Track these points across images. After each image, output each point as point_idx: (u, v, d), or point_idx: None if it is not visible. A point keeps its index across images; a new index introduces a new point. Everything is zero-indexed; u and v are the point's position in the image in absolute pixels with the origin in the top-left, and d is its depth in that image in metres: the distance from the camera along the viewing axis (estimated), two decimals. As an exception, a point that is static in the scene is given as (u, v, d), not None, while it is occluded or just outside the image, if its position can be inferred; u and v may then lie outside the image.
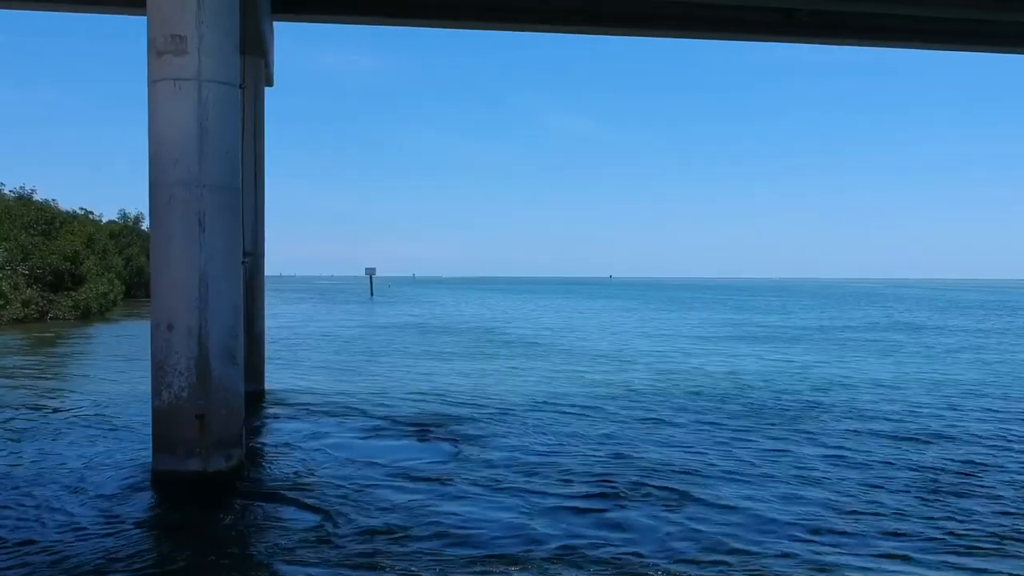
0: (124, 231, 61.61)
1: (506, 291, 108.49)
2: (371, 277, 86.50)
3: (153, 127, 7.82)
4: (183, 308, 7.67)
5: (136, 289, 57.30)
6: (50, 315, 33.42)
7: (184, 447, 7.66)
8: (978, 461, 9.20)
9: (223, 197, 7.88)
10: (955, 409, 12.86)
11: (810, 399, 13.75)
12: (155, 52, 7.78)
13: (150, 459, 8.06)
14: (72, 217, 49.87)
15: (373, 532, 6.54)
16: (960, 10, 13.75)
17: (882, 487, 8.06)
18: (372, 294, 78.49)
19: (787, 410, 12.64)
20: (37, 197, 46.86)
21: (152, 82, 7.81)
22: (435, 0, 14.01)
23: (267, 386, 14.02)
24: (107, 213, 66.40)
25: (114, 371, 17.15)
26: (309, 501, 7.42)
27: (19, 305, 31.46)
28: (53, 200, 49.42)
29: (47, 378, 16.14)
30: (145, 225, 67.07)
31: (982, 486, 8.13)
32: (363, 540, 6.36)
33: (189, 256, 7.68)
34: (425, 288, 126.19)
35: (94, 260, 40.16)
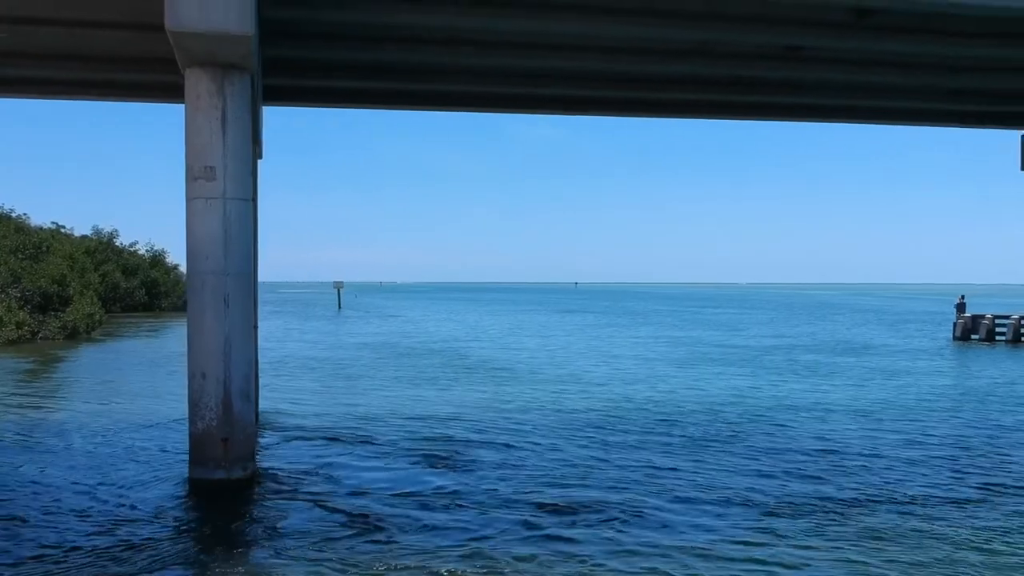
0: (100, 248, 63.63)
1: (473, 301, 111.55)
2: (339, 291, 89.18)
3: (190, 231, 10.89)
4: (213, 362, 10.75)
5: (110, 304, 59.04)
6: (40, 335, 35.89)
7: (213, 462, 10.74)
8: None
9: (241, 282, 10.98)
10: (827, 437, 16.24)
11: (733, 425, 17.04)
12: (192, 177, 10.86)
13: (186, 471, 11.13)
14: (51, 234, 52.15)
15: (346, 513, 9.66)
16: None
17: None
18: (340, 307, 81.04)
19: (698, 436, 15.92)
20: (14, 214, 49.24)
21: (189, 199, 10.88)
22: (390, 90, 17.11)
23: (260, 407, 16.99)
24: (68, 221, 67.97)
25: (133, 394, 19.99)
26: (304, 494, 10.52)
27: (13, 327, 33.96)
28: (25, 214, 51.72)
29: (74, 401, 18.94)
30: (119, 241, 69.37)
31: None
32: (339, 518, 9.47)
33: (218, 325, 10.76)
34: (392, 298, 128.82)
35: (76, 279, 42.51)
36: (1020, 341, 37.13)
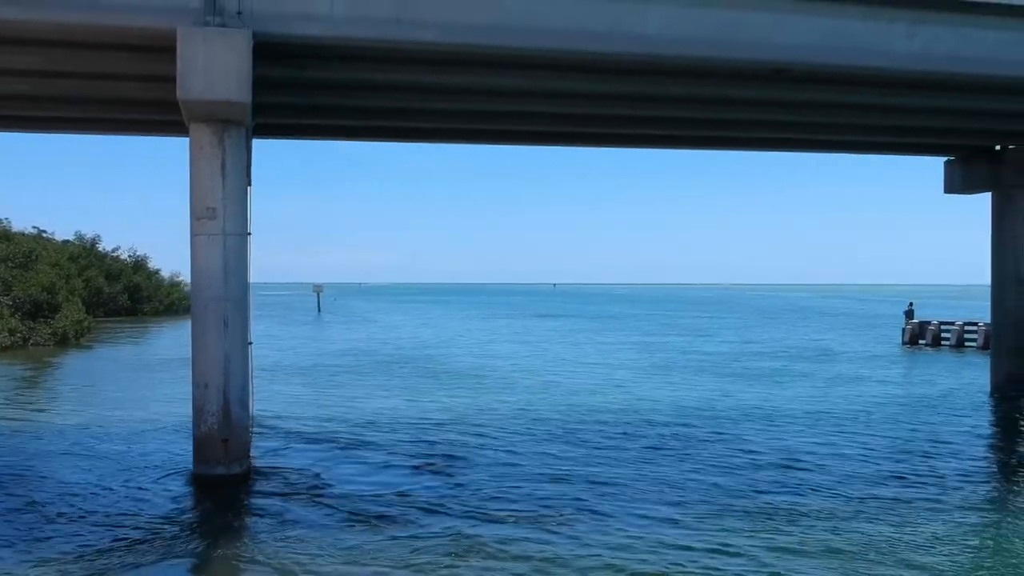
0: (83, 253, 64.79)
1: (450, 304, 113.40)
2: (319, 294, 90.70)
3: (195, 262, 12.75)
4: (214, 374, 12.61)
5: (94, 309, 60.05)
6: (31, 342, 37.39)
7: (214, 459, 12.60)
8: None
9: (238, 305, 12.85)
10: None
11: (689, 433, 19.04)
12: (195, 217, 12.72)
13: (189, 466, 12.98)
14: (35, 240, 53.43)
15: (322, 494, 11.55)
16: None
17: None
18: (320, 311, 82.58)
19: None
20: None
21: (194, 235, 12.74)
22: (367, 127, 19.02)
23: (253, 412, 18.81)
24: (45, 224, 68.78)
25: (139, 402, 21.74)
26: (292, 486, 12.40)
27: (6, 333, 35.47)
28: (7, 219, 52.83)
29: (77, 405, 20.66)
30: (102, 246, 70.61)
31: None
32: (322, 506, 11.36)
33: (219, 343, 12.63)
34: (371, 300, 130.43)
35: (63, 287, 43.96)
36: (963, 346, 39.50)
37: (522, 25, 12.72)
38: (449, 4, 12.43)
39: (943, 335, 40.71)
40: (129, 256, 73.36)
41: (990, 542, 10.29)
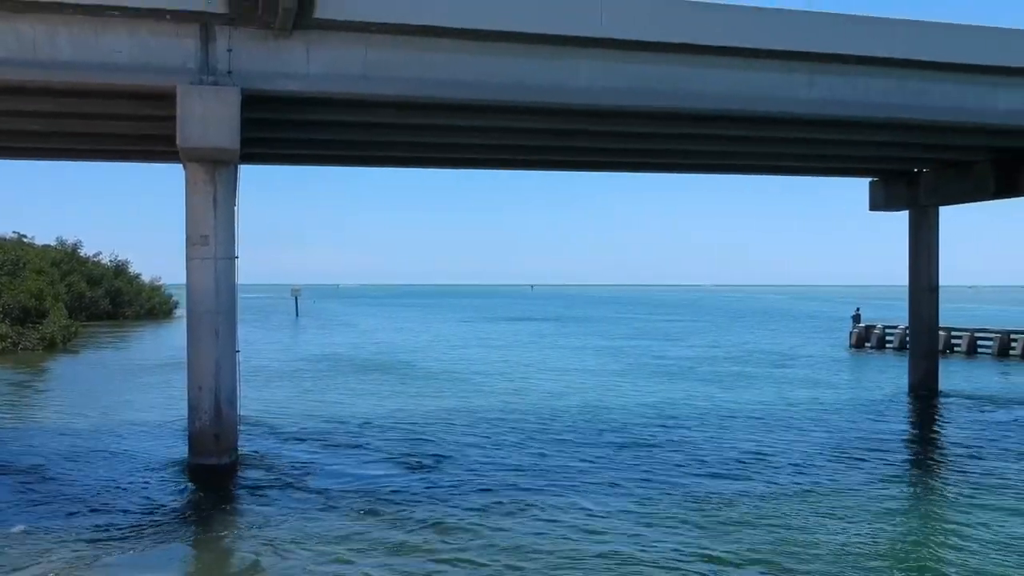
0: (65, 259, 66.16)
1: (427, 307, 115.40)
2: (296, 297, 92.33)
3: (190, 282, 14.79)
4: (207, 378, 14.67)
5: (76, 314, 61.26)
6: (20, 346, 39.06)
7: (207, 452, 14.65)
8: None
9: (227, 318, 14.92)
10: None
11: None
12: (191, 243, 14.77)
13: (184, 457, 15.05)
14: (18, 246, 54.90)
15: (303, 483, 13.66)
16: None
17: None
18: (298, 315, 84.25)
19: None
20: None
21: (189, 259, 14.78)
22: (345, 155, 21.14)
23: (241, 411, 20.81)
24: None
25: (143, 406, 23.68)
26: (274, 473, 14.49)
27: (-2, 338, 37.18)
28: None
29: (77, 407, 22.58)
30: (83, 251, 72.01)
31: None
32: (301, 490, 13.46)
33: (211, 351, 14.69)
34: (348, 303, 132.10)
35: (50, 293, 45.57)
36: (905, 348, 42.06)
37: (474, 80, 14.89)
38: (409, 63, 14.57)
39: (887, 338, 43.34)
40: (110, 261, 74.83)
41: (889, 525, 12.58)
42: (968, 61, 17.22)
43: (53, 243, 69.30)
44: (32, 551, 10.51)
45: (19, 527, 11.42)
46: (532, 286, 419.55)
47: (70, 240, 70.69)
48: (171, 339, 50.80)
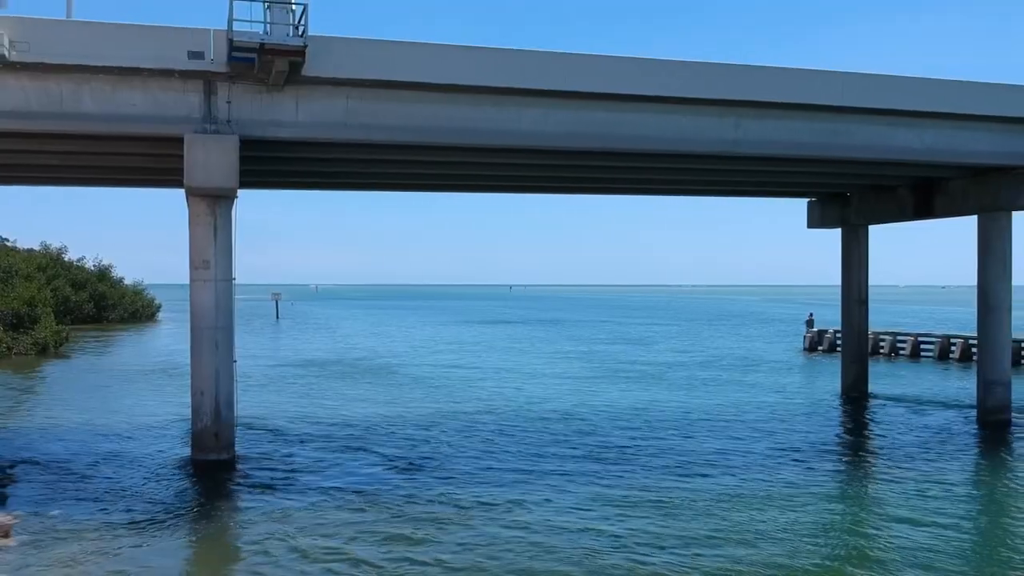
0: (50, 263, 67.58)
1: (404, 309, 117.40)
2: (276, 301, 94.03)
3: (193, 300, 17.00)
4: (208, 384, 16.88)
5: (61, 318, 62.50)
6: (14, 351, 40.88)
7: (208, 448, 16.87)
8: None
9: (226, 333, 17.14)
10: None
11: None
12: (194, 266, 16.97)
13: (188, 453, 17.26)
14: (6, 252, 56.41)
15: (291, 472, 15.91)
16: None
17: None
18: (278, 318, 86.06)
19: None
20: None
21: (192, 280, 16.99)
22: (331, 181, 23.39)
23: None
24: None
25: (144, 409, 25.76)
26: (267, 467, 16.72)
27: (-7, 344, 38.99)
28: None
29: (78, 409, 24.64)
30: (68, 256, 73.49)
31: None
32: (283, 475, 15.71)
33: (211, 360, 16.90)
34: (327, 306, 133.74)
35: (41, 300, 47.31)
36: (855, 352, 44.85)
37: (434, 126, 17.23)
38: (382, 111, 16.87)
39: (839, 342, 46.00)
40: (94, 265, 76.28)
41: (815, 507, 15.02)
42: (897, 107, 19.53)
43: (36, 247, 70.78)
44: (72, 531, 12.71)
45: (55, 511, 13.61)
46: (511, 287, 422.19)
47: (54, 245, 72.22)
48: (157, 343, 52.71)
